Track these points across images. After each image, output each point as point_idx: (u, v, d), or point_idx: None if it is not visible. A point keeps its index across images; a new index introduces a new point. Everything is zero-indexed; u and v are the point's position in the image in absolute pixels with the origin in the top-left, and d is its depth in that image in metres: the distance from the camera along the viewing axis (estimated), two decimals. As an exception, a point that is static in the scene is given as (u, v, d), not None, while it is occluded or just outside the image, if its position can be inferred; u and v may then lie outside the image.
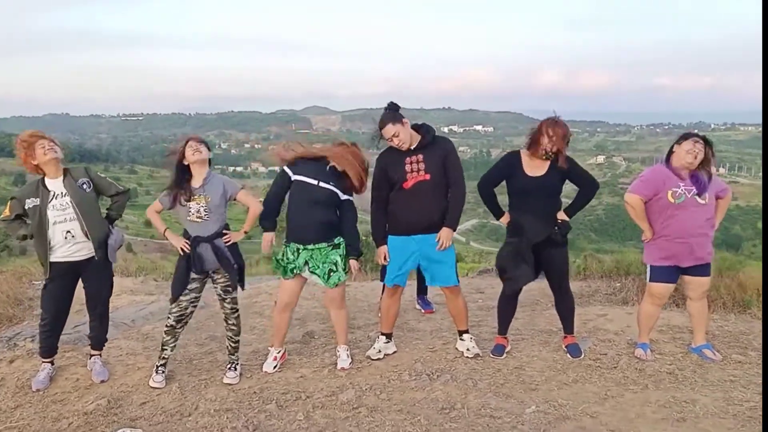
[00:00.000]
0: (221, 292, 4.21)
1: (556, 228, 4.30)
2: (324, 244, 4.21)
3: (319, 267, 4.22)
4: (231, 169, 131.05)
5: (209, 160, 4.18)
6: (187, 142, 4.11)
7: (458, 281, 4.47)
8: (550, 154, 4.22)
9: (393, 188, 4.30)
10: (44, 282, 4.24)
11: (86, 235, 4.12)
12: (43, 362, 4.33)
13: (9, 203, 4.20)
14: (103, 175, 4.38)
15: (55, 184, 4.12)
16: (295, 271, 4.25)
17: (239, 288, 4.26)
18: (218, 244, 4.11)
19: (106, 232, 4.25)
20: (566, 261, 4.48)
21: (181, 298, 4.12)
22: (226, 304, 4.25)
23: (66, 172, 4.17)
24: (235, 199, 4.24)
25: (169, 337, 4.20)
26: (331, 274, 4.23)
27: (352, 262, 4.31)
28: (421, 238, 4.30)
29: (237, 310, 4.29)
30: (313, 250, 4.21)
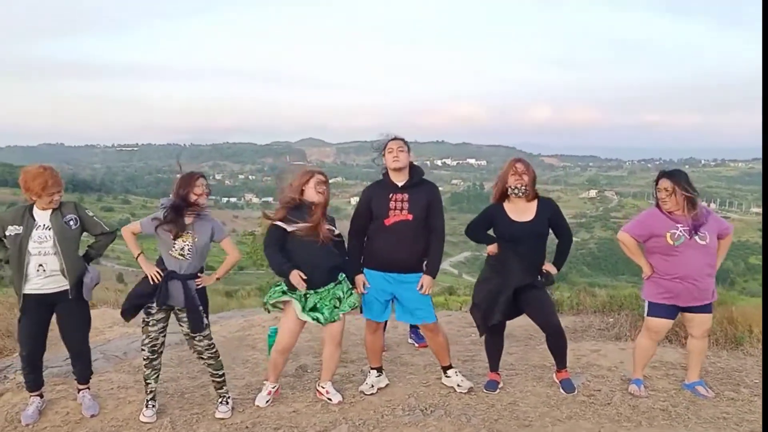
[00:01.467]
0: (188, 331, 4.13)
1: (540, 278, 4.35)
2: (331, 285, 4.24)
3: (326, 305, 4.22)
4: (225, 199, 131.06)
5: None
6: (197, 179, 4.08)
7: (435, 318, 4.47)
8: (522, 190, 4.30)
9: (373, 222, 4.33)
10: (18, 316, 4.17)
11: (63, 273, 4.08)
12: (32, 396, 4.28)
13: None
14: (91, 214, 4.33)
15: (42, 215, 4.10)
16: (303, 315, 4.21)
17: (208, 325, 4.21)
18: (190, 284, 4.08)
19: (82, 270, 4.21)
20: (547, 301, 4.46)
21: (150, 328, 4.07)
22: (196, 342, 4.16)
23: (56, 208, 4.15)
24: (219, 243, 4.24)
25: (149, 371, 4.16)
26: (335, 309, 4.24)
27: (359, 277, 4.36)
28: (396, 278, 4.31)
29: (212, 346, 4.21)
30: (321, 292, 4.22)
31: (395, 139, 4.31)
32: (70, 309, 4.20)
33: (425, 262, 4.34)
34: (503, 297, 4.29)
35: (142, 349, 4.15)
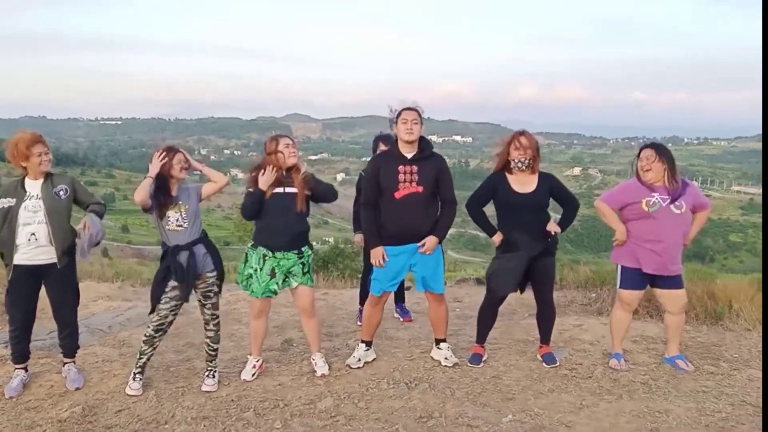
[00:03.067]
0: (201, 297, 4.21)
1: (549, 239, 4.37)
2: (293, 254, 4.24)
3: (280, 275, 4.26)
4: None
5: None
6: (175, 155, 4.07)
7: (443, 290, 4.50)
8: (524, 162, 4.30)
9: (381, 195, 4.31)
10: (6, 287, 4.15)
11: (50, 242, 4.06)
12: (16, 368, 4.26)
13: None
14: (85, 187, 4.33)
15: (33, 185, 4.09)
16: (266, 295, 4.28)
17: (218, 294, 4.25)
18: (196, 251, 4.11)
19: (71, 241, 4.18)
20: (552, 275, 4.54)
21: (161, 306, 4.09)
22: (206, 310, 4.24)
23: (48, 176, 4.13)
24: (202, 198, 4.24)
25: (147, 347, 4.16)
26: (287, 278, 4.28)
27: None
28: (412, 248, 4.31)
29: (217, 317, 4.28)
30: (280, 258, 4.23)
31: (410, 109, 4.24)
32: (59, 281, 4.19)
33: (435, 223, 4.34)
34: (518, 265, 4.31)
35: (148, 325, 4.17)
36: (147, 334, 4.15)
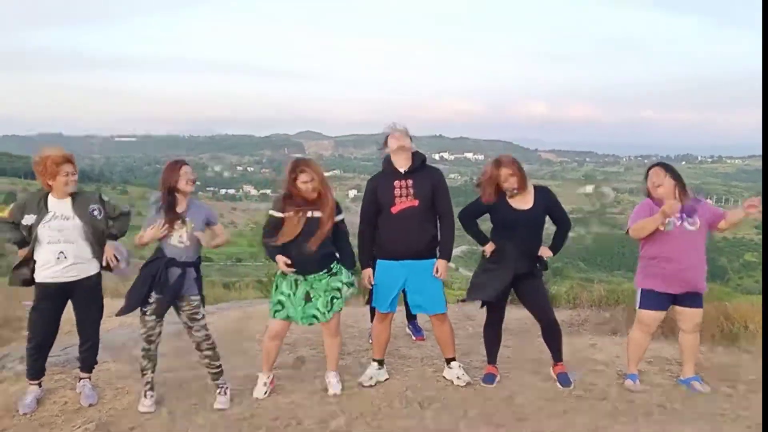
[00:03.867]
0: (187, 320, 4.17)
1: (538, 264, 4.39)
2: (324, 273, 4.23)
3: (321, 297, 4.23)
4: (223, 191, 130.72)
5: None
6: (181, 167, 4.10)
7: (446, 309, 4.49)
8: (515, 190, 4.36)
9: (380, 212, 4.35)
10: (33, 304, 4.20)
11: (89, 259, 4.17)
12: (31, 384, 4.29)
13: (10, 207, 4.18)
14: (107, 198, 4.38)
15: (59, 204, 4.12)
16: (287, 317, 4.27)
17: (204, 317, 4.24)
18: (188, 272, 4.11)
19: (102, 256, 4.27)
20: (543, 293, 4.58)
21: (146, 318, 4.09)
22: (194, 332, 4.20)
23: (74, 195, 4.17)
24: (210, 226, 4.26)
25: (146, 361, 4.17)
26: (334, 301, 4.25)
27: (364, 277, 4.41)
28: (409, 264, 4.33)
29: (209, 337, 4.24)
30: (313, 280, 4.23)
31: (398, 130, 4.37)
32: (88, 297, 4.25)
33: (438, 248, 4.39)
34: (502, 278, 4.33)
35: (142, 340, 4.17)
36: (143, 348, 4.16)
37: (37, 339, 4.21)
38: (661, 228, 4.23)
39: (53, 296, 4.15)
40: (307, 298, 4.24)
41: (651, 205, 4.32)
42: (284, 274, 4.26)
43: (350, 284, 4.34)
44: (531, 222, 4.38)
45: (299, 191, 4.14)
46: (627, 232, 4.42)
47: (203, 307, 4.24)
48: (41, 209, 4.09)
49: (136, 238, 4.20)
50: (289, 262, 4.12)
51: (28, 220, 4.07)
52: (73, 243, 4.11)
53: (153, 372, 4.23)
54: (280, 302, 4.27)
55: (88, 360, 4.41)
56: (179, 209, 4.09)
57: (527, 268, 4.36)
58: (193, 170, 4.18)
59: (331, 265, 4.28)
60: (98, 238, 4.22)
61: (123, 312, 4.12)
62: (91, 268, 4.24)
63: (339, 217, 4.29)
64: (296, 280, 4.25)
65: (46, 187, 4.13)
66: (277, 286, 4.32)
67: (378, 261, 4.44)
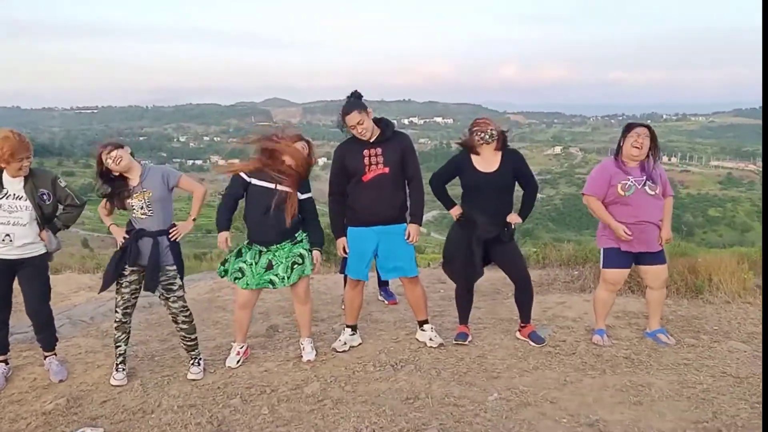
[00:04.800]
0: (163, 290, 4.11)
1: (506, 229, 4.39)
2: (287, 242, 4.21)
3: (282, 263, 4.20)
4: (190, 162, 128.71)
5: (132, 154, 4.05)
6: (99, 155, 3.95)
7: (417, 272, 4.51)
8: (492, 133, 4.34)
9: (350, 180, 4.32)
10: None
11: (32, 242, 4.05)
12: None
13: None
14: (64, 185, 4.19)
15: (13, 183, 3.99)
16: (256, 285, 4.24)
17: (182, 287, 4.20)
18: (160, 241, 4.05)
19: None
20: (518, 254, 4.58)
21: (123, 290, 4.05)
22: (171, 304, 4.15)
23: (29, 176, 4.03)
24: (177, 187, 4.17)
25: (120, 333, 4.13)
26: (295, 266, 4.23)
27: (316, 254, 4.30)
28: (379, 230, 4.33)
29: (186, 308, 4.21)
30: (276, 250, 4.21)
31: (348, 112, 4.18)
32: (33, 274, 4.14)
33: (408, 212, 4.39)
34: (474, 249, 4.35)
35: (116, 311, 4.12)
36: (117, 320, 4.12)
37: None
38: (622, 193, 4.27)
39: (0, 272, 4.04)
40: (269, 267, 4.22)
41: (610, 171, 4.33)
42: (250, 245, 4.24)
43: (310, 260, 4.29)
44: (498, 185, 4.37)
45: (282, 163, 4.10)
46: (583, 195, 4.46)
47: (181, 278, 4.19)
48: None
49: (99, 208, 4.12)
50: (229, 243, 4.12)
51: None
52: (21, 226, 3.99)
53: (126, 345, 4.19)
54: (241, 270, 4.24)
55: (46, 339, 4.30)
56: (133, 182, 3.99)
57: (495, 233, 4.37)
58: (113, 148, 3.93)
59: (295, 235, 4.25)
60: (45, 222, 4.10)
61: (102, 289, 4.10)
62: (37, 248, 4.10)
63: (306, 195, 4.26)
64: (260, 251, 4.22)
65: None
66: (240, 254, 4.28)
67: (349, 228, 4.42)
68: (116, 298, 4.10)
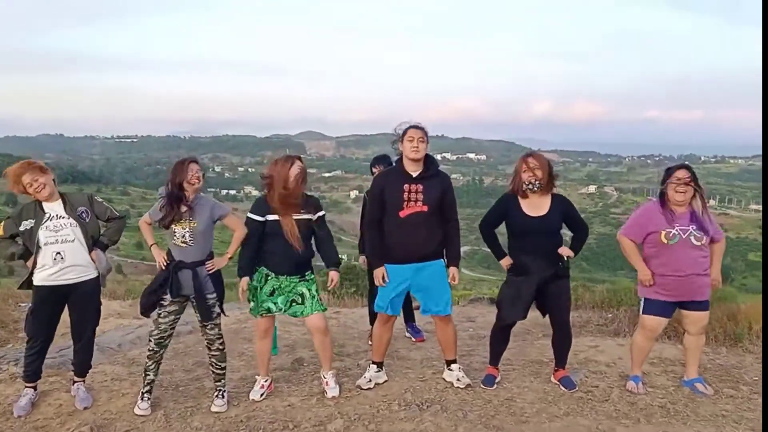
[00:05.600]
0: (201, 318, 4.15)
1: (560, 263, 4.27)
2: (296, 278, 4.20)
3: (283, 295, 4.20)
4: (224, 192, 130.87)
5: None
6: (189, 164, 4.06)
7: (451, 311, 4.43)
8: (535, 184, 4.22)
9: (386, 213, 4.25)
10: (30, 306, 4.18)
11: (83, 261, 4.12)
12: (26, 387, 4.24)
13: (3, 223, 4.17)
14: (100, 200, 4.35)
15: (52, 206, 4.12)
16: (261, 313, 4.25)
17: (221, 314, 4.21)
18: (199, 272, 4.07)
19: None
20: (568, 296, 4.45)
21: (161, 320, 4.07)
22: (208, 331, 4.19)
23: (64, 198, 4.16)
24: (222, 221, 4.19)
25: (151, 362, 4.13)
26: (293, 305, 4.21)
27: (333, 274, 4.25)
28: (415, 267, 4.27)
29: (221, 337, 4.23)
30: (282, 280, 4.19)
31: (417, 127, 4.20)
32: (84, 300, 4.21)
33: (445, 251, 4.32)
34: (527, 291, 4.25)
35: (149, 340, 4.14)
36: (150, 349, 4.12)
37: (34, 341, 4.17)
38: (665, 241, 4.13)
39: (51, 299, 4.11)
40: (272, 293, 4.22)
41: (654, 217, 4.20)
42: (259, 266, 4.21)
43: (319, 304, 4.26)
44: (546, 229, 4.25)
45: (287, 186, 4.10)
46: (618, 238, 4.35)
47: (221, 305, 4.20)
48: (38, 212, 4.08)
49: (141, 222, 4.19)
50: (246, 292, 4.18)
51: (26, 225, 4.05)
52: (70, 243, 4.08)
53: (155, 375, 4.19)
54: (253, 294, 4.25)
55: (83, 364, 4.36)
56: (183, 207, 4.03)
57: (551, 271, 4.25)
58: (201, 168, 4.14)
59: (306, 274, 4.24)
60: (90, 241, 4.19)
61: (144, 312, 4.14)
62: (89, 272, 4.19)
63: (318, 215, 4.24)
64: (267, 275, 4.20)
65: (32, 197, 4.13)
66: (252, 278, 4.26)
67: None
68: (152, 329, 4.12)
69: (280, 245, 4.11)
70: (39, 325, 4.15)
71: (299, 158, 4.25)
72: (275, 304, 4.22)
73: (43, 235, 4.03)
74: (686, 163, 4.40)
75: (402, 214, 4.18)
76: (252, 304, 4.29)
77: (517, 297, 4.29)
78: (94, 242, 4.21)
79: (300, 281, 4.22)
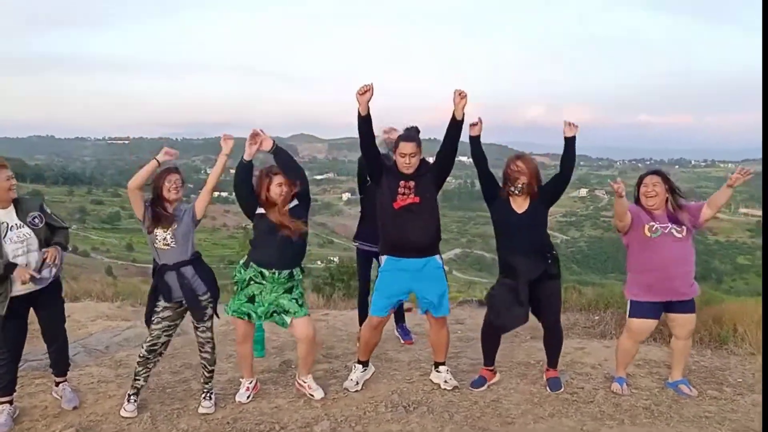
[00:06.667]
0: (193, 320, 4.16)
1: (549, 260, 4.31)
2: (285, 273, 4.14)
3: (263, 306, 4.17)
4: (216, 194, 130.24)
5: None
6: (167, 175, 4.05)
7: (448, 312, 4.46)
8: (521, 187, 4.26)
9: (381, 205, 4.32)
10: (2, 317, 3.92)
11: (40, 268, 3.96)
12: (1, 404, 4.04)
13: None
14: (49, 210, 4.18)
15: (6, 214, 3.94)
16: (233, 312, 4.24)
17: (214, 317, 4.21)
18: (184, 272, 4.05)
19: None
20: (559, 296, 4.49)
21: (154, 326, 4.06)
22: (199, 333, 4.19)
23: (16, 202, 3.99)
24: (198, 216, 4.17)
25: (141, 368, 4.12)
26: (274, 315, 4.20)
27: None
28: (414, 268, 4.29)
29: (211, 339, 4.23)
30: (269, 281, 4.14)
31: (408, 140, 4.26)
32: (52, 300, 4.15)
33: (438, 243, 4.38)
34: (517, 297, 4.24)
35: (142, 346, 4.13)
36: (141, 355, 4.11)
37: (8, 353, 4.01)
38: (649, 234, 4.20)
39: (20, 309, 3.98)
40: (251, 300, 4.18)
41: (639, 211, 4.30)
42: (246, 266, 4.21)
43: (303, 309, 4.23)
44: (530, 224, 4.30)
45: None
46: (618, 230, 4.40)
47: (214, 307, 4.20)
48: None
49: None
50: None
51: None
52: (34, 252, 3.95)
53: (145, 381, 4.17)
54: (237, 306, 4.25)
55: (60, 363, 4.31)
56: (165, 214, 4.03)
57: (540, 271, 4.27)
58: (181, 178, 4.13)
59: (295, 271, 4.21)
60: (42, 247, 4.02)
61: (148, 323, 4.13)
62: (50, 274, 4.05)
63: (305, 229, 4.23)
64: (251, 278, 4.16)
65: None
66: (234, 275, 4.27)
67: (386, 258, 4.38)
68: (147, 336, 4.11)
69: (271, 237, 4.11)
70: (11, 336, 3.99)
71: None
72: (255, 312, 4.20)
73: (10, 249, 3.86)
74: (657, 168, 4.46)
75: (396, 205, 4.25)
76: (230, 301, 4.26)
77: (514, 300, 4.28)
78: (46, 245, 4.05)
79: (288, 282, 4.17)
